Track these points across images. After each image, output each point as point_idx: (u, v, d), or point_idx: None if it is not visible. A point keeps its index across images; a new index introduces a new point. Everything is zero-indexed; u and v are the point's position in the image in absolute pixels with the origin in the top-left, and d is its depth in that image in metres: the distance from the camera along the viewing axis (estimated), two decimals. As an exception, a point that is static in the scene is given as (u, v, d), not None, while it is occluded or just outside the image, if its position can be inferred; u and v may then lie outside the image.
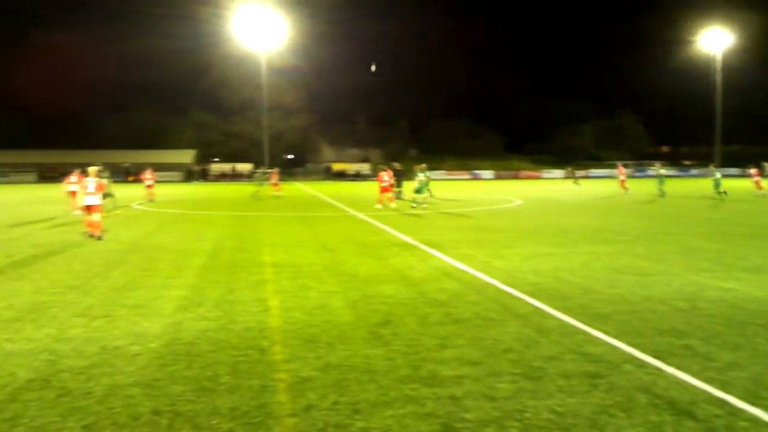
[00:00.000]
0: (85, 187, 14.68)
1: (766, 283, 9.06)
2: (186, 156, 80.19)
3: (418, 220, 18.98)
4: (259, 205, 26.93)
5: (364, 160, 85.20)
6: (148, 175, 31.50)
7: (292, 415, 4.35)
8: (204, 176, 73.18)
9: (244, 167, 77.32)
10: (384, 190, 24.23)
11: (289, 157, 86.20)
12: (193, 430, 4.12)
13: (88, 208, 14.54)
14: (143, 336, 6.29)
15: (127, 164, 69.99)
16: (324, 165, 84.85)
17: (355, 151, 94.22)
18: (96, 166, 15.35)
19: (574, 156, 78.74)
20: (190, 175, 71.87)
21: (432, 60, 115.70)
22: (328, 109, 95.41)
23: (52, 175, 68.38)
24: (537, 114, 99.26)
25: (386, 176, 24.29)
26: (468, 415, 4.39)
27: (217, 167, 77.34)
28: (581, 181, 50.57)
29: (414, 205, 23.96)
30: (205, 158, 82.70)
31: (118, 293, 8.33)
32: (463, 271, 9.95)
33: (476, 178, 75.38)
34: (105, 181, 15.11)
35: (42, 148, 79.83)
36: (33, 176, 69.02)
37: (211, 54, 78.24)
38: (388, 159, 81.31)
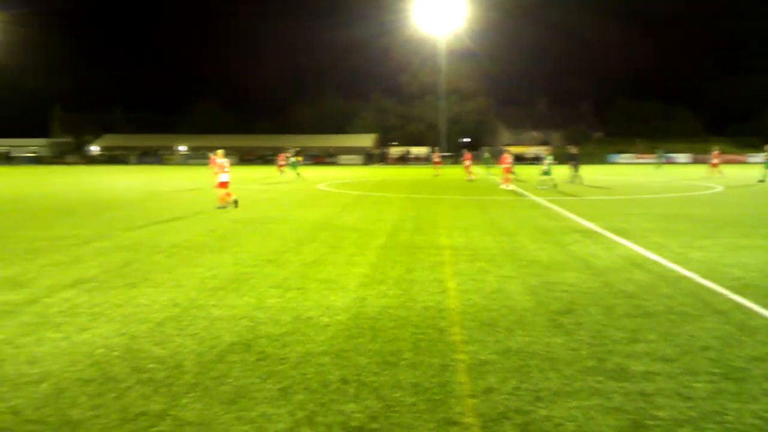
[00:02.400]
0: (221, 167, 17.78)
1: None
2: (367, 140, 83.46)
3: (602, 206, 18.04)
4: (434, 188, 27.30)
5: (544, 143, 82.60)
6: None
7: (473, 396, 4.38)
8: (383, 159, 75.65)
9: (420, 150, 78.69)
10: (507, 171, 26.73)
11: (465, 140, 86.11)
12: (378, 401, 4.30)
13: (222, 185, 17.68)
14: (331, 308, 6.68)
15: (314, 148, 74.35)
16: (499, 148, 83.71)
17: (535, 134, 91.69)
18: (220, 149, 19.04)
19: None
20: (369, 159, 74.71)
21: (618, 36, 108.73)
22: (507, 91, 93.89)
23: (251, 158, 75.01)
24: (742, 91, 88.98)
25: (509, 158, 26.84)
26: (660, 413, 4.12)
27: (395, 150, 79.58)
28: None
29: (545, 187, 25.60)
30: (384, 142, 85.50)
31: (309, 268, 8.92)
32: (655, 262, 9.28)
33: (669, 161, 69.60)
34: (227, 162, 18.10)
35: (242, 133, 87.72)
36: (234, 159, 75.89)
37: (392, 39, 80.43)
38: (569, 142, 78.11)
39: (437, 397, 4.36)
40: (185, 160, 77.27)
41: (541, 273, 8.51)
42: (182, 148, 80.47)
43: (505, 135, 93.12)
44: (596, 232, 12.44)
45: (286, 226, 13.57)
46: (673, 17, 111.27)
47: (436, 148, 45.25)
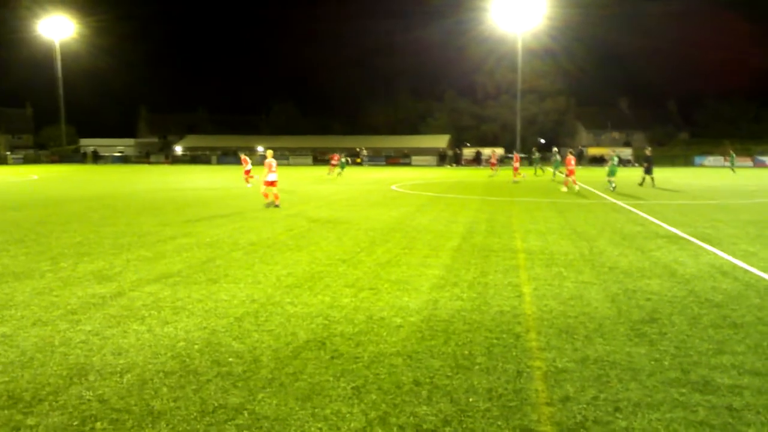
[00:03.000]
0: (269, 166, 18.26)
1: None
2: (441, 141, 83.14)
3: (687, 211, 17.27)
4: (509, 190, 26.88)
5: (626, 145, 79.87)
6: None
7: (549, 405, 4.28)
8: (456, 161, 75.16)
9: (491, 151, 77.63)
10: (570, 173, 25.35)
11: (541, 141, 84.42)
12: (451, 405, 4.28)
13: (270, 184, 18.14)
14: (404, 309, 6.70)
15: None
16: (578, 149, 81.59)
17: (616, 135, 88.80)
18: (270, 149, 20.19)
19: None
20: (442, 160, 74.39)
21: (706, 34, 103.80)
22: (587, 91, 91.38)
23: (324, 158, 76.20)
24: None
25: (573, 161, 25.34)
26: (749, 430, 3.90)
27: (468, 152, 78.92)
28: None
29: (612, 187, 24.91)
30: (458, 143, 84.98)
31: (382, 268, 8.98)
32: (744, 270, 8.80)
33: (762, 165, 65.79)
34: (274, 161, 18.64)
35: (317, 134, 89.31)
36: (308, 159, 77.25)
37: (468, 38, 79.91)
38: (653, 143, 75.21)
39: (512, 404, 4.30)
40: (262, 160, 79.33)
41: (623, 280, 8.24)
42: (260, 149, 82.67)
43: (583, 135, 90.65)
44: (681, 238, 11.92)
45: (360, 227, 13.71)
46: (757, 15, 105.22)
47: (495, 149, 44.77)
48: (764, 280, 8.18)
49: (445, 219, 15.37)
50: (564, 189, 25.61)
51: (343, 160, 39.45)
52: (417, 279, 8.24)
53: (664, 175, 38.72)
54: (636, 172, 30.99)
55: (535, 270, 8.92)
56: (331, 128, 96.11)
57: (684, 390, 4.52)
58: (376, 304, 6.96)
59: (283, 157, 79.22)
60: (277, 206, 17.88)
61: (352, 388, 4.58)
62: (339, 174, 38.14)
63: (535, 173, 42.22)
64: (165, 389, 4.54)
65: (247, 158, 29.60)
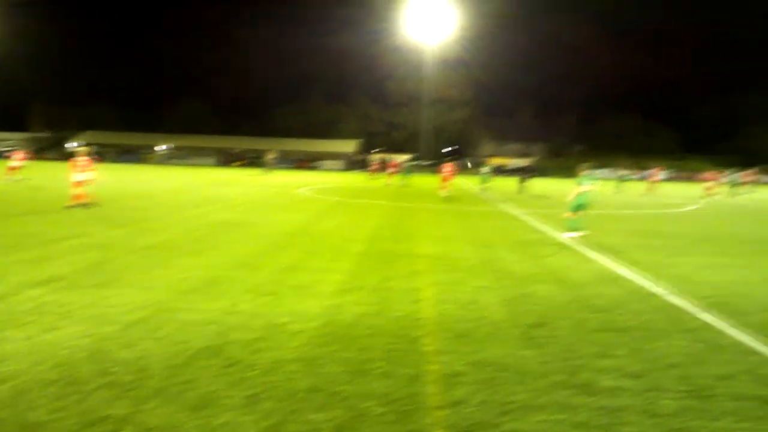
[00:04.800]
0: (81, 165, 17.13)
1: None
2: (350, 146, 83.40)
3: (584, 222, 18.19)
4: (414, 197, 27.34)
5: (526, 155, 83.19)
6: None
7: (441, 408, 4.38)
8: (364, 166, 75.58)
9: (401, 158, 78.76)
10: (446, 179, 27.83)
11: (449, 149, 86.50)
12: (347, 410, 4.28)
13: (79, 184, 17.07)
14: (304, 315, 6.65)
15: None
16: (479, 159, 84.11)
17: (517, 146, 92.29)
18: (84, 147, 18.57)
19: (760, 159, 70.90)
20: (351, 165, 74.64)
21: (604, 52, 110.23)
22: (492, 102, 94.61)
23: (242, 161, 74.63)
24: (721, 111, 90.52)
25: (447, 168, 28.04)
26: (626, 429, 4.16)
27: (377, 157, 79.61)
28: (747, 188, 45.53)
29: (485, 194, 28.03)
30: (367, 148, 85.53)
31: (283, 273, 8.87)
32: (626, 278, 9.38)
33: (647, 178, 70.31)
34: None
35: (223, 134, 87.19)
36: (213, 160, 75.30)
37: (381, 46, 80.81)
38: (551, 154, 78.74)
39: (407, 408, 4.36)
40: (165, 160, 76.57)
41: (517, 285, 8.56)
42: (162, 148, 79.74)
43: (488, 146, 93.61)
44: (571, 246, 12.55)
45: (263, 231, 13.50)
46: (659, 35, 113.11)
47: (378, 151, 45.48)
48: (645, 287, 8.74)
49: (351, 224, 15.41)
50: (445, 193, 27.16)
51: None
52: (319, 284, 8.21)
53: (560, 186, 40.71)
54: (538, 182, 32.55)
55: (436, 275, 9.10)
56: (240, 129, 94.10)
57: (569, 392, 4.75)
58: (276, 309, 6.87)
59: (185, 156, 76.82)
60: (84, 206, 16.76)
61: (247, 396, 4.49)
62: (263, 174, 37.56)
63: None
64: (44, 400, 4.27)
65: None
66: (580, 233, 14.07)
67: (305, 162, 74.88)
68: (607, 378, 5.08)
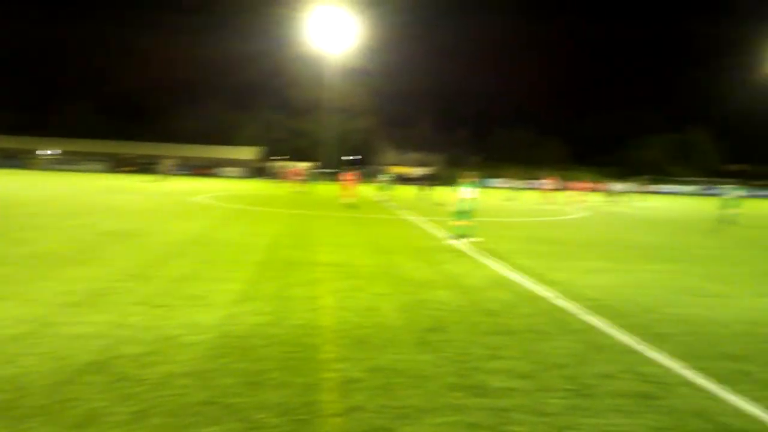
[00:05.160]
0: None
1: (843, 313, 8.55)
2: (251, 153, 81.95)
3: (474, 229, 18.79)
4: (315, 205, 27.25)
5: (426, 165, 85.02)
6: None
7: (338, 415, 4.37)
8: (267, 173, 74.55)
9: (304, 166, 78.33)
10: (347, 187, 28.40)
11: (348, 158, 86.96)
12: (240, 423, 4.19)
13: None
14: (198, 327, 6.44)
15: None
16: (381, 168, 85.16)
17: (417, 155, 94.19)
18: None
19: (640, 170, 76.34)
20: (253, 172, 73.35)
21: (499, 66, 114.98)
22: (394, 111, 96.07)
23: (131, 167, 71.31)
24: (606, 125, 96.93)
25: (349, 176, 28.71)
26: (515, 429, 4.31)
27: (280, 165, 78.71)
28: (647, 197, 49.06)
29: (386, 202, 28.84)
30: (270, 156, 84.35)
31: (177, 283, 8.57)
32: (517, 282, 9.79)
33: (539, 188, 73.80)
34: None
35: (115, 139, 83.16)
36: (103, 165, 71.64)
37: (284, 54, 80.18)
38: (449, 164, 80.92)
39: (302, 417, 4.32)
40: (51, 165, 72.03)
41: (414, 291, 8.71)
42: (47, 152, 75.01)
43: (390, 154, 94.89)
44: (467, 253, 12.93)
45: (157, 240, 12.98)
46: (556, 54, 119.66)
47: (280, 159, 45.52)
48: (534, 291, 9.15)
49: (249, 232, 15.13)
50: (348, 201, 27.47)
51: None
52: (215, 294, 7.98)
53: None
54: (437, 191, 33.45)
55: (335, 283, 9.10)
56: (135, 134, 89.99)
57: (462, 394, 4.88)
58: (169, 321, 6.61)
59: (74, 162, 72.60)
60: None
61: (134, 412, 4.29)
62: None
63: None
64: None
65: None
66: (470, 240, 14.52)
67: (204, 169, 72.78)
68: (498, 379, 5.26)
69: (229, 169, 73.19)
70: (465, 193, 14.77)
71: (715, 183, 76.40)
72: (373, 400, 4.67)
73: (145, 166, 66.06)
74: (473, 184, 15.09)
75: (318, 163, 67.55)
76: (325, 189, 43.17)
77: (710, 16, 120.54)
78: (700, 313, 8.13)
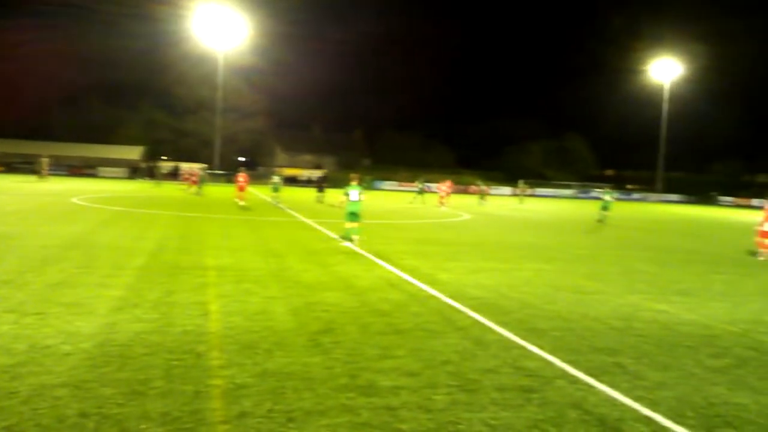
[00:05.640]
0: None
1: (696, 306, 9.43)
2: (133, 152, 78.23)
3: (366, 230, 18.98)
4: (205, 207, 26.46)
5: (318, 167, 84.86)
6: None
7: (225, 422, 4.28)
8: (150, 174, 71.43)
9: (192, 166, 75.77)
10: (240, 188, 28.43)
11: (241, 159, 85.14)
12: (121, 435, 4.00)
13: None
14: (75, 335, 6.09)
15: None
16: (273, 170, 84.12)
17: (309, 158, 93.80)
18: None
19: (521, 174, 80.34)
20: (135, 173, 70.01)
21: (390, 69, 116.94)
22: (285, 113, 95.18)
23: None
24: (489, 131, 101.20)
25: (241, 177, 28.55)
26: (403, 426, 4.41)
27: (165, 165, 75.59)
28: (525, 200, 51.66)
29: (276, 203, 29.32)
30: (153, 156, 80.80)
31: (53, 290, 8.04)
32: (408, 282, 10.00)
33: (427, 191, 75.68)
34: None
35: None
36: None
37: (170, 52, 77.08)
38: (342, 167, 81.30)
39: (187, 426, 4.19)
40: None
41: (305, 293, 8.69)
42: None
43: (281, 156, 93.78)
44: (358, 254, 13.06)
45: (30, 244, 12.09)
46: (443, 62, 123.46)
47: (165, 159, 44.27)
48: (423, 290, 9.39)
49: (132, 235, 14.43)
50: (241, 203, 27.37)
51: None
52: (93, 301, 7.57)
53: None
54: (330, 193, 33.54)
55: (224, 287, 8.90)
56: (3, 132, 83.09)
57: (351, 394, 4.93)
58: (42, 330, 6.20)
59: None
60: None
61: (4, 427, 3.99)
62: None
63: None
64: None
65: None
66: (357, 241, 14.68)
67: (81, 168, 68.58)
68: (387, 378, 5.36)
69: (108, 169, 69.41)
70: (353, 196, 14.95)
71: (590, 186, 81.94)
72: (262, 405, 4.61)
73: (17, 166, 61.38)
74: (361, 187, 15.31)
75: (208, 165, 65.57)
76: (217, 191, 41.98)
77: (591, 30, 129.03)
78: (576, 309, 8.68)
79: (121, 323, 6.64)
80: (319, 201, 32.72)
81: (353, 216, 14.92)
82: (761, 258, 16.26)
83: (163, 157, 79.84)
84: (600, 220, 28.18)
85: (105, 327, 6.46)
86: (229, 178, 50.37)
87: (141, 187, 45.40)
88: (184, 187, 41.65)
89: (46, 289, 8.12)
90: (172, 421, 4.25)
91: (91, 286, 8.41)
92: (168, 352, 5.74)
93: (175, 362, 5.46)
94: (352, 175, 16.02)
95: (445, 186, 38.07)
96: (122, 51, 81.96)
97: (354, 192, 15.10)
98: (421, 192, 42.26)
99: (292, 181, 73.13)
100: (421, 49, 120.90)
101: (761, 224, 16.68)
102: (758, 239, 16.94)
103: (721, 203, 77.10)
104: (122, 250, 11.87)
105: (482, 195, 44.07)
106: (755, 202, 68.84)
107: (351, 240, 14.72)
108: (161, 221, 18.65)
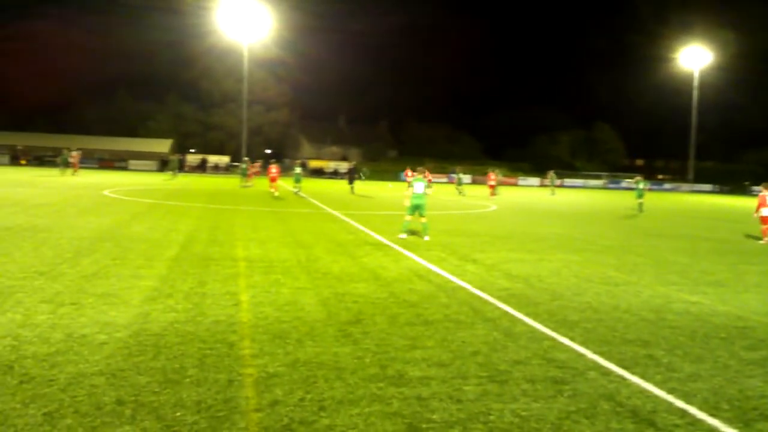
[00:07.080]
0: None
1: (729, 297, 9.26)
2: (162, 145, 79.26)
3: (393, 221, 19.00)
4: (234, 199, 26.73)
5: (343, 159, 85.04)
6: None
7: (258, 410, 4.34)
8: (180, 167, 72.29)
9: (220, 159, 76.50)
10: (273, 179, 30.91)
11: (267, 151, 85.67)
12: (156, 421, 4.08)
13: None
14: (110, 325, 6.22)
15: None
16: (300, 161, 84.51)
17: (335, 149, 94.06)
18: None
19: (549, 165, 79.50)
20: (164, 165, 70.94)
21: (415, 60, 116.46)
22: (311, 105, 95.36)
23: (27, 158, 67.36)
24: (516, 121, 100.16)
25: (274, 169, 31.11)
26: (434, 416, 4.42)
27: (193, 158, 76.44)
28: (557, 190, 51.06)
29: (296, 191, 31.29)
30: (182, 149, 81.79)
31: (87, 281, 8.22)
32: (435, 273, 10.00)
33: (453, 182, 75.37)
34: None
35: (18, 131, 78.29)
36: (5, 158, 67.35)
37: (196, 46, 77.70)
38: (367, 158, 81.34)
39: (221, 414, 4.26)
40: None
41: (334, 284, 8.74)
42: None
43: (307, 148, 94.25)
44: (385, 245, 13.09)
45: (64, 236, 12.36)
46: (470, 52, 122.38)
47: (246, 159, 44.45)
48: (452, 281, 9.39)
49: (163, 227, 14.65)
50: (276, 193, 29.27)
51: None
52: (127, 291, 7.71)
53: (373, 188, 42.23)
54: (359, 185, 33.82)
55: (254, 278, 8.99)
56: (34, 125, 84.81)
57: (382, 384, 4.95)
58: (78, 320, 6.34)
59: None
60: None
61: (44, 414, 4.10)
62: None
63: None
64: None
65: None
66: (424, 236, 14.22)
67: (111, 162, 69.70)
68: (416, 368, 5.37)
69: (138, 162, 70.42)
70: (418, 188, 14.24)
71: (620, 177, 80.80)
72: (293, 393, 4.67)
73: (48, 159, 62.62)
74: (421, 180, 14.54)
75: (243, 158, 66.05)
76: (259, 182, 42.36)
77: (619, 18, 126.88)
78: (607, 300, 8.59)
79: (155, 313, 6.76)
80: (351, 192, 33.21)
81: (415, 209, 14.21)
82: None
83: (191, 150, 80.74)
84: (638, 209, 29.09)
85: (139, 317, 6.58)
86: (264, 171, 50.61)
87: (171, 179, 45.85)
88: (247, 182, 40.59)
89: (80, 279, 8.30)
90: (206, 408, 4.32)
91: (124, 277, 8.57)
92: (201, 341, 5.83)
93: (208, 351, 5.55)
94: (419, 168, 15.73)
95: (493, 176, 38.15)
96: (149, 44, 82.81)
97: (419, 185, 14.29)
98: (460, 183, 42.09)
99: (318, 173, 73.38)
100: (446, 39, 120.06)
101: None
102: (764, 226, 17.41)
103: (753, 193, 75.56)
104: (153, 242, 12.06)
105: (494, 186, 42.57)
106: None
107: (407, 233, 14.23)
108: (190, 213, 18.89)
